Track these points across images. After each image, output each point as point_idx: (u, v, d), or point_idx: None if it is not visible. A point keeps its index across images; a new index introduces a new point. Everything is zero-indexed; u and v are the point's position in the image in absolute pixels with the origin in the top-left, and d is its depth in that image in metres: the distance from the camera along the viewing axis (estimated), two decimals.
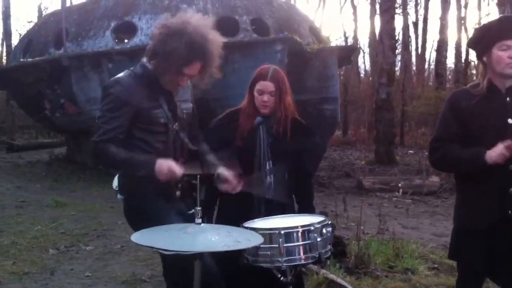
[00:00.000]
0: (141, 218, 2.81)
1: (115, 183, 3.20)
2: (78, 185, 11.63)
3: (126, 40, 12.93)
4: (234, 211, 3.14)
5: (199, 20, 2.84)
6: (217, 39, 2.88)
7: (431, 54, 33.37)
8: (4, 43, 26.13)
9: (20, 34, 25.05)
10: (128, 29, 12.59)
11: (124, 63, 11.91)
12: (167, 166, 2.71)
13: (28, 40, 14.59)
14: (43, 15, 25.05)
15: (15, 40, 24.24)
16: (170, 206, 2.90)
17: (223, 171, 3.00)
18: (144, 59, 2.91)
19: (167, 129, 2.91)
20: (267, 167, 3.23)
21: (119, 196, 3.06)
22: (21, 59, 13.92)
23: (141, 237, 2.35)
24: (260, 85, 3.22)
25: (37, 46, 13.72)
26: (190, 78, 2.91)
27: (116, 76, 2.88)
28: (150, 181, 2.76)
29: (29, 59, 13.40)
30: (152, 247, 2.25)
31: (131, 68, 2.94)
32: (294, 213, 3.29)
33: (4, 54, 26.33)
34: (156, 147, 2.88)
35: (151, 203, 2.87)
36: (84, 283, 5.04)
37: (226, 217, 3.14)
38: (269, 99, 3.20)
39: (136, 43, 11.78)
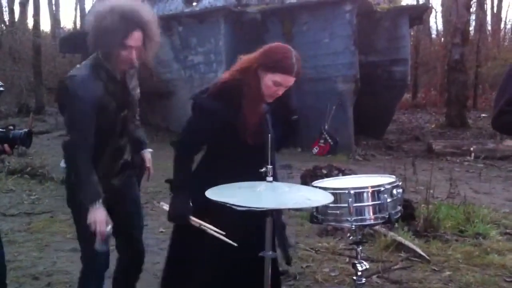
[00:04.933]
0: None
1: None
2: (151, 146, 11.68)
3: (194, 3, 13.03)
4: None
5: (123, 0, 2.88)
6: (147, 8, 2.93)
7: (507, 13, 31.84)
8: (78, 7, 26.94)
9: None
10: None
11: (193, 26, 12.06)
12: (99, 218, 2.79)
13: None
14: None
15: (88, 4, 24.97)
16: None
17: (148, 155, 3.26)
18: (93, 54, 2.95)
19: (116, 118, 2.93)
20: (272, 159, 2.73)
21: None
22: None
23: (214, 194, 2.43)
24: (281, 77, 2.65)
25: None
26: (137, 51, 2.86)
27: (73, 73, 2.87)
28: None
29: None
30: (225, 203, 2.31)
31: (86, 62, 2.96)
32: None
33: (78, 18, 27.20)
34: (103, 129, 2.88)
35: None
36: (158, 238, 5.21)
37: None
38: (283, 92, 2.73)
39: (205, 5, 11.85)
